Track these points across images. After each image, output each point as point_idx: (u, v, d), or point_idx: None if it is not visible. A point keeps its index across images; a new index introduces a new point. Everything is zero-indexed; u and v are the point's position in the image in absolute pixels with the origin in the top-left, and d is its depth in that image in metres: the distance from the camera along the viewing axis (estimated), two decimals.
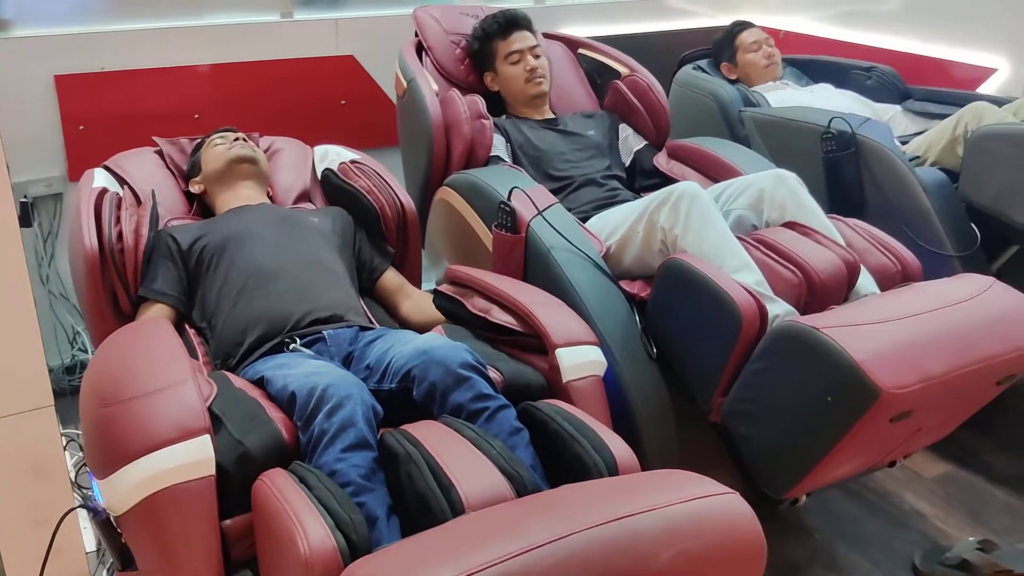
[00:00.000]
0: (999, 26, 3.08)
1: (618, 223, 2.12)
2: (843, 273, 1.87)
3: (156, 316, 1.90)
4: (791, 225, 2.03)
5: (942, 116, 2.94)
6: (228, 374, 1.65)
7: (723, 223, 1.95)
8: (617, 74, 2.82)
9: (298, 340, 1.81)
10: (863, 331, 1.61)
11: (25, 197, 2.60)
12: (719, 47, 3.34)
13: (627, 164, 2.67)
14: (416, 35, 2.78)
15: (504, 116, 2.65)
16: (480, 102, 2.46)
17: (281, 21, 2.99)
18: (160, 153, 2.35)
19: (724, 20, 3.80)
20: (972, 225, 2.43)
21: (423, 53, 2.72)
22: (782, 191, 2.09)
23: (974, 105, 2.59)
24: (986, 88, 3.12)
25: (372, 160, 2.36)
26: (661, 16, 3.72)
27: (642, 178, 2.65)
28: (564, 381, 1.65)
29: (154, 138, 2.39)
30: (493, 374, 1.61)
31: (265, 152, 2.46)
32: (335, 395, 1.44)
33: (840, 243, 1.96)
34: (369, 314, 2.05)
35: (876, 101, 3.22)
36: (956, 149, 2.56)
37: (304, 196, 2.37)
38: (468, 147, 2.42)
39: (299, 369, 1.57)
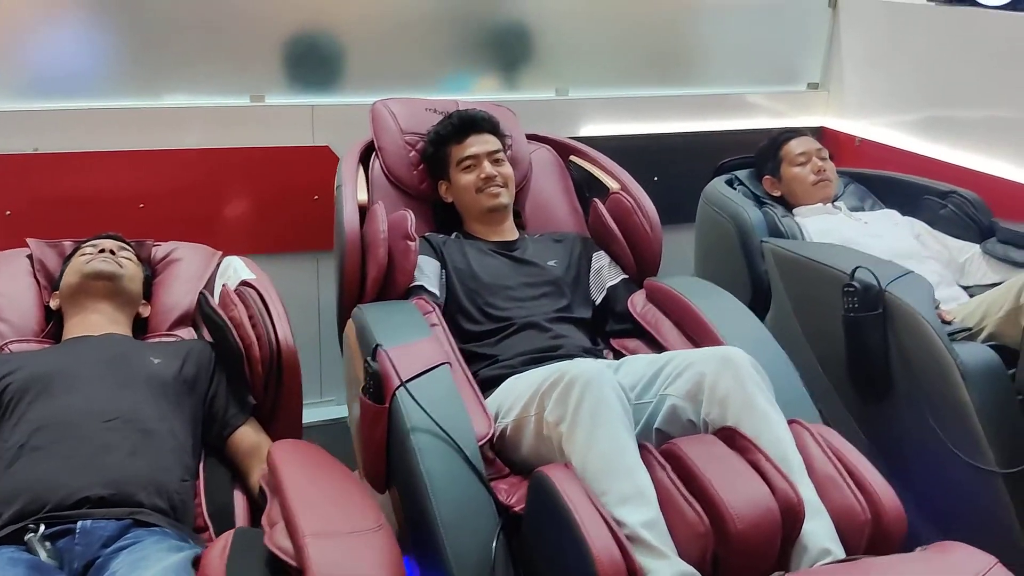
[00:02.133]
0: None
1: (518, 397, 1.65)
2: (774, 522, 1.33)
3: None
4: (727, 434, 1.50)
5: (1022, 265, 2.32)
6: None
7: (622, 426, 1.44)
8: (606, 189, 2.34)
9: (43, 528, 1.42)
10: None
11: None
12: (762, 157, 2.80)
13: (598, 302, 2.18)
14: None
15: (454, 234, 2.22)
16: (408, 218, 2.04)
17: (251, 105, 2.68)
18: (31, 257, 2.04)
19: (791, 121, 3.28)
20: None
21: (375, 154, 2.33)
22: (726, 380, 1.56)
23: None
24: None
25: (268, 284, 1.97)
26: (714, 113, 3.21)
27: (614, 322, 2.16)
28: None
29: (28, 240, 2.09)
30: None
31: (160, 262, 2.13)
32: None
33: (786, 473, 1.41)
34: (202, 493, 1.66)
35: (953, 235, 2.60)
36: (1020, 321, 1.94)
37: (186, 319, 2.01)
38: (382, 272, 2.01)
39: None
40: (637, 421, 1.66)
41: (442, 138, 2.24)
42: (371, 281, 2.01)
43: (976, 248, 2.51)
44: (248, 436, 1.78)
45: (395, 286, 2.03)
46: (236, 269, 2.05)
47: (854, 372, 2.05)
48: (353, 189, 2.13)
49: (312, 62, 2.77)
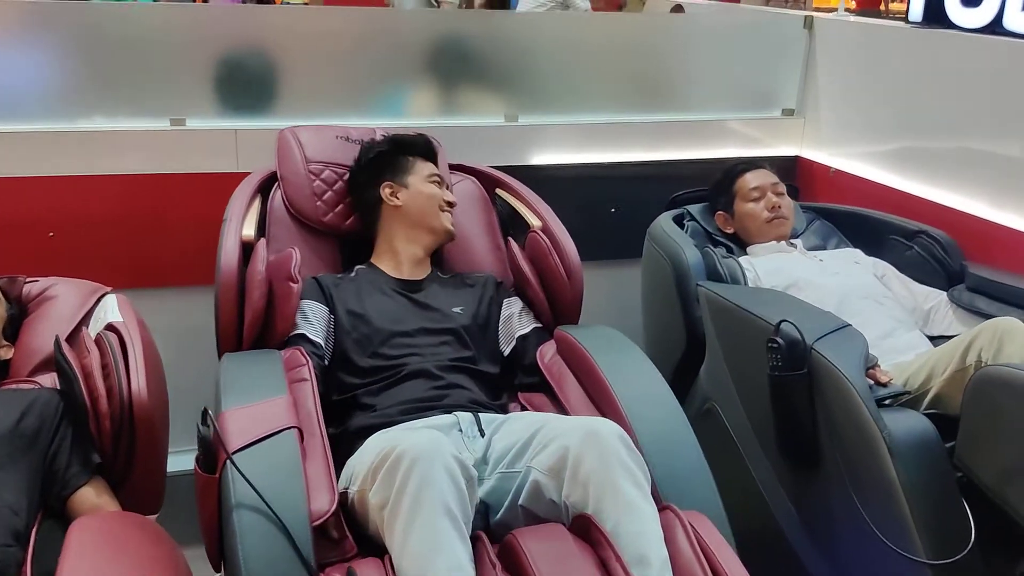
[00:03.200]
0: None
1: (361, 464, 1.47)
2: None
3: None
4: (583, 524, 1.31)
5: (990, 317, 2.08)
6: None
7: (446, 516, 1.26)
8: (527, 227, 2.15)
9: None
10: None
11: None
12: (716, 191, 2.60)
13: (506, 353, 1.99)
14: None
15: (355, 270, 2.04)
16: (293, 257, 1.86)
17: (171, 129, 2.53)
18: None
19: (764, 149, 3.07)
20: (967, 513, 1.58)
21: (276, 185, 2.17)
22: (590, 458, 1.37)
23: (997, 322, 1.74)
24: None
25: (135, 328, 1.80)
26: (681, 140, 3.00)
27: (522, 374, 1.97)
28: None
29: None
30: None
31: (35, 299, 1.97)
32: None
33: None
34: None
35: (919, 280, 2.37)
36: (964, 385, 1.72)
37: (50, 364, 1.85)
38: (258, 317, 1.83)
39: None
40: (506, 492, 1.49)
41: (408, 146, 2.14)
42: (247, 327, 1.84)
43: (943, 295, 2.28)
44: (88, 499, 1.62)
45: (274, 333, 1.85)
46: (108, 310, 1.89)
47: (781, 436, 1.84)
48: (238, 224, 1.96)
49: (238, 85, 2.62)
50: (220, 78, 2.60)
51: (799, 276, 2.25)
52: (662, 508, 1.39)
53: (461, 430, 1.65)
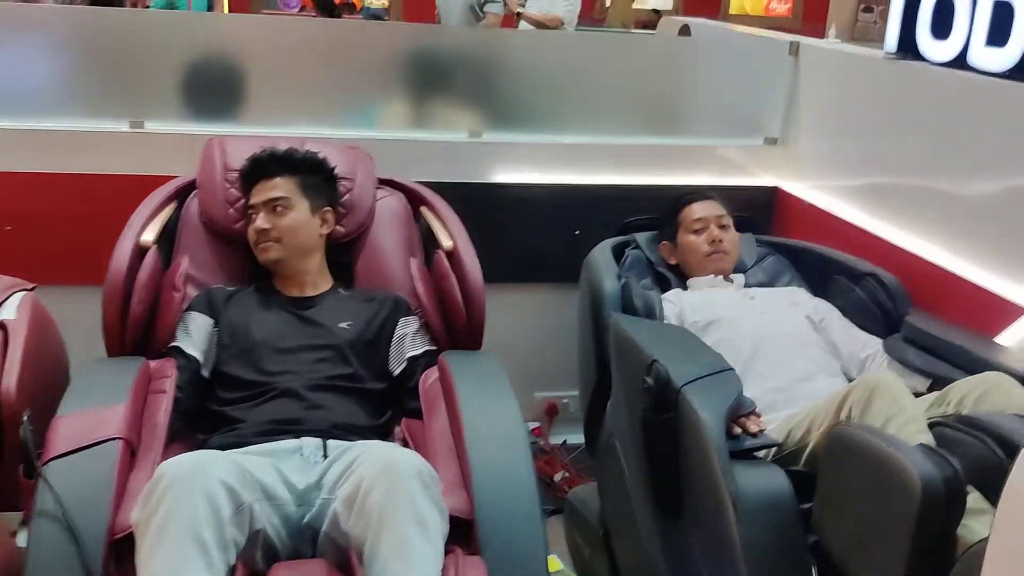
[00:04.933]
0: None
1: None
2: None
3: None
4: (346, 560, 1.27)
5: (925, 374, 1.98)
6: None
7: (192, 546, 1.25)
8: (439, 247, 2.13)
9: None
10: None
11: None
12: (663, 219, 2.52)
13: (395, 373, 1.96)
14: None
15: (254, 285, 2.05)
16: (181, 266, 1.88)
17: (129, 132, 2.59)
18: None
19: (742, 179, 2.98)
20: None
21: (194, 192, 2.20)
22: (378, 492, 1.34)
23: (869, 377, 1.63)
24: (1013, 335, 2.07)
25: (22, 327, 1.84)
26: (655, 164, 2.93)
27: (407, 398, 1.94)
28: None
29: None
30: None
31: None
32: None
33: None
34: None
35: (862, 324, 2.26)
36: None
37: None
38: (136, 325, 1.85)
39: None
40: (323, 519, 1.46)
41: (240, 180, 2.07)
42: (127, 332, 1.86)
43: (880, 344, 2.17)
44: None
45: (157, 342, 1.87)
46: (7, 308, 1.93)
47: (648, 481, 1.77)
48: (137, 229, 1.98)
49: (200, 90, 2.67)
50: (183, 83, 2.64)
51: (721, 313, 2.17)
52: (448, 550, 1.35)
53: (303, 455, 1.63)
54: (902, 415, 1.51)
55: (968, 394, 1.63)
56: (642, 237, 2.53)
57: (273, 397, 1.78)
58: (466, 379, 1.74)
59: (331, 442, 1.66)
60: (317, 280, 2.03)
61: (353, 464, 1.45)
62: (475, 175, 2.79)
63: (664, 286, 2.44)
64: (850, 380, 2.17)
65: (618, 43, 2.97)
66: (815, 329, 2.20)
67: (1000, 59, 2.16)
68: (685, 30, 3.70)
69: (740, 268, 2.47)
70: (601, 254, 2.36)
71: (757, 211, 2.95)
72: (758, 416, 1.71)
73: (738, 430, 1.65)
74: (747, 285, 2.41)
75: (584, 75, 2.92)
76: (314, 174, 2.05)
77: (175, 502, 1.25)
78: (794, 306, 2.25)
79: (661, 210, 2.53)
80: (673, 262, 2.45)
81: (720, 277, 2.35)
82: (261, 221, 1.96)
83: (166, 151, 2.60)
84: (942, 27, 2.33)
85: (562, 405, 2.99)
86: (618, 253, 2.49)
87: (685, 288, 2.41)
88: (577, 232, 2.82)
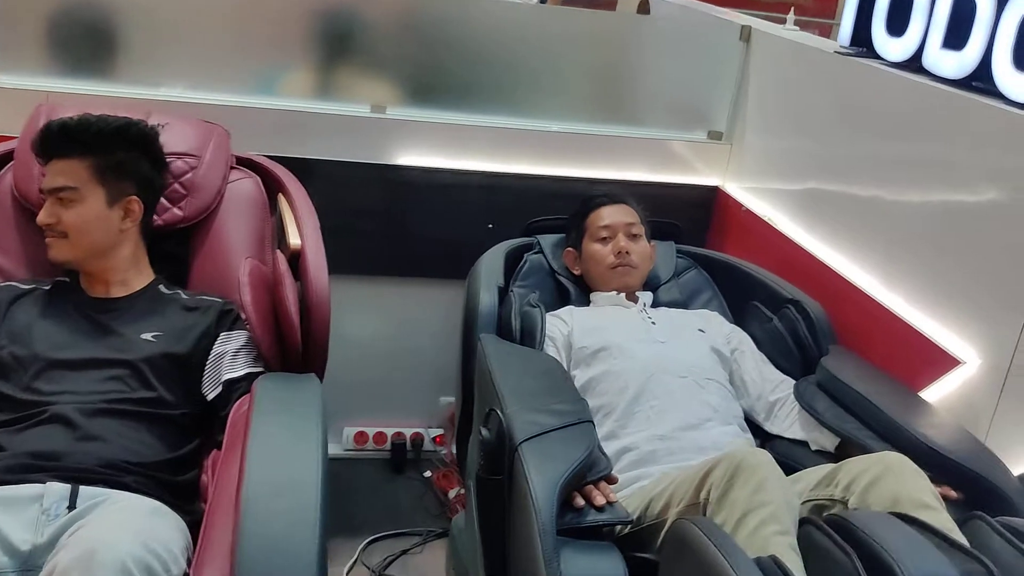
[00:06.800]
0: (977, 308, 1.75)
1: None
2: None
3: None
4: None
5: (833, 430, 1.70)
6: None
7: None
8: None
9: None
10: None
11: None
12: (570, 223, 2.22)
13: (210, 398, 1.67)
14: None
15: (69, 276, 1.75)
16: None
17: None
18: None
19: (682, 176, 2.67)
20: None
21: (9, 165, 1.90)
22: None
23: (735, 454, 1.34)
24: (944, 387, 1.77)
25: None
26: (585, 156, 2.61)
27: (219, 430, 1.64)
28: None
29: None
30: None
31: None
32: None
33: None
34: None
35: (775, 360, 1.97)
36: None
37: None
38: None
39: None
40: None
41: (35, 155, 1.72)
42: None
43: (792, 387, 1.88)
44: None
45: None
46: None
47: (480, 549, 1.49)
48: None
49: (63, 40, 2.35)
50: (43, 31, 2.33)
51: (613, 340, 1.88)
52: None
53: (43, 506, 1.35)
54: (763, 510, 1.22)
55: (858, 477, 1.35)
56: (548, 240, 2.24)
57: (40, 423, 1.49)
58: (267, 413, 1.45)
59: (85, 489, 1.37)
60: (129, 277, 1.73)
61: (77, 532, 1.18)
62: (376, 155, 2.49)
63: (565, 299, 2.14)
64: (757, 424, 1.90)
65: (557, 16, 2.64)
66: (721, 363, 1.91)
67: (956, 64, 1.84)
68: (644, 6, 3.37)
69: (654, 283, 2.17)
70: (490, 260, 2.07)
71: (696, 213, 2.67)
72: (611, 482, 1.42)
73: (581, 501, 1.36)
74: (657, 304, 2.11)
75: (513, 50, 2.60)
76: (116, 152, 1.68)
77: None
78: (700, 335, 1.96)
79: (572, 210, 2.23)
80: (577, 272, 2.16)
81: (623, 295, 2.06)
82: (44, 213, 1.65)
83: (9, 110, 2.26)
84: (899, 22, 2.02)
85: None
86: (518, 257, 2.19)
87: (588, 303, 2.12)
88: (491, 225, 2.52)
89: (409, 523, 2.44)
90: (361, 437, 2.70)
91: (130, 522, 1.30)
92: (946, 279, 1.81)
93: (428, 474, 2.66)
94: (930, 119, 1.88)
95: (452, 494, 2.57)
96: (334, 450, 2.71)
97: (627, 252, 2.05)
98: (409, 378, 2.71)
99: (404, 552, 2.35)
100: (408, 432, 2.73)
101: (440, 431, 2.76)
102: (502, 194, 2.55)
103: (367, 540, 2.36)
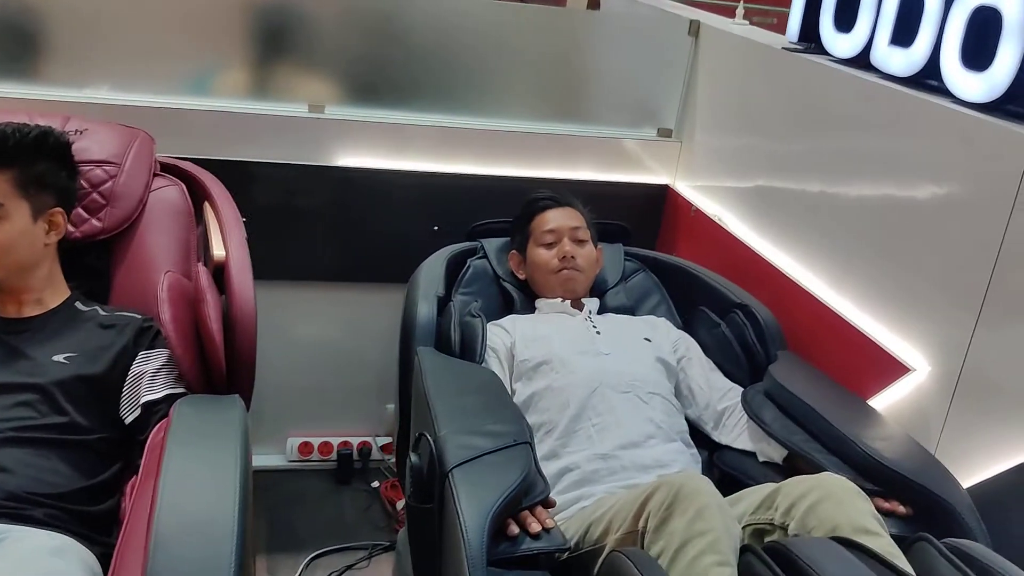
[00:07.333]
0: (927, 312, 1.70)
1: None
2: None
3: None
4: None
5: (780, 442, 1.64)
6: None
7: None
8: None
9: None
10: None
11: None
12: (514, 226, 2.15)
13: (128, 421, 1.57)
14: None
15: None
16: None
17: None
18: None
19: (630, 175, 2.61)
20: None
21: None
22: None
23: (675, 479, 1.28)
24: (894, 394, 1.73)
25: None
26: (531, 155, 2.54)
27: (138, 454, 1.55)
28: None
29: None
30: None
31: None
32: None
33: None
34: None
35: (722, 367, 1.91)
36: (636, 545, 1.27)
37: None
38: None
39: None
40: None
41: None
42: None
43: (739, 396, 1.82)
44: None
45: None
46: None
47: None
48: None
49: None
50: None
51: (556, 352, 1.81)
52: None
53: None
54: (701, 539, 1.16)
55: (798, 502, 1.30)
56: (493, 244, 2.16)
57: None
58: (182, 444, 1.36)
59: None
60: (44, 296, 1.63)
61: None
62: (316, 157, 2.40)
63: (509, 306, 2.07)
64: (705, 433, 1.84)
65: (504, 12, 2.55)
66: (667, 374, 1.85)
67: (904, 61, 1.79)
68: (595, 2, 3.29)
69: (601, 287, 2.11)
70: (429, 267, 1.99)
71: (646, 212, 2.61)
72: (549, 506, 1.36)
73: (515, 529, 1.30)
74: (604, 309, 2.05)
75: (458, 46, 2.52)
76: (37, 163, 1.59)
77: None
78: (646, 344, 1.90)
79: (516, 212, 2.16)
80: (522, 276, 2.09)
81: (568, 302, 1.99)
82: None
83: None
84: (847, 17, 1.96)
85: None
86: (461, 262, 2.12)
87: (533, 309, 2.05)
88: (437, 228, 2.45)
89: (355, 537, 2.37)
90: (306, 448, 2.62)
91: (29, 563, 1.21)
92: (896, 283, 1.77)
93: (376, 484, 2.59)
94: (878, 117, 1.83)
95: (400, 505, 2.49)
96: (277, 461, 2.63)
97: (572, 257, 1.99)
98: (355, 385, 2.63)
99: (349, 567, 2.28)
100: (355, 441, 2.66)
101: (388, 439, 2.69)
102: (447, 195, 2.47)
103: (311, 556, 2.28)
